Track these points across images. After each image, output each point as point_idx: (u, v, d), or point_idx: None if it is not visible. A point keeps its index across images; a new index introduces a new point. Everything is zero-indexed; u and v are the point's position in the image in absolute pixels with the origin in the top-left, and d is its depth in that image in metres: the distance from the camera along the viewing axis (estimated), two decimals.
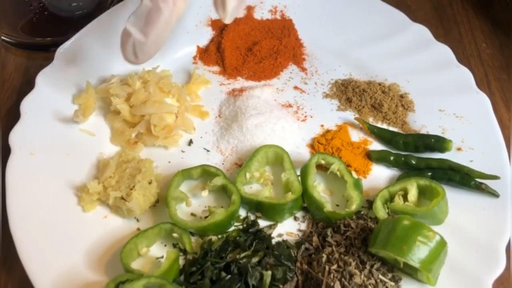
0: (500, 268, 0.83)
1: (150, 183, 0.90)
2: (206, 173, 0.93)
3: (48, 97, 0.97)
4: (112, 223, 0.89)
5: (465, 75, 1.04)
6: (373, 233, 0.82)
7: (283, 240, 0.87)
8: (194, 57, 1.11)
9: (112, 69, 1.04)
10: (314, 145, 0.99)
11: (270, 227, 0.90)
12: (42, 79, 0.99)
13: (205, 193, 0.91)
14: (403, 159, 0.96)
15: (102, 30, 1.05)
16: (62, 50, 1.02)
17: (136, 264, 0.84)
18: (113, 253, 0.85)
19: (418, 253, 0.77)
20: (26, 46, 1.12)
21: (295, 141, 1.00)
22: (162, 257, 0.85)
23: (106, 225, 0.88)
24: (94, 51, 1.04)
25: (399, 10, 1.14)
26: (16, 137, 0.92)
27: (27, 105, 0.95)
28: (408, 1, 1.26)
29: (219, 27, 1.14)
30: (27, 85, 1.02)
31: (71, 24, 1.09)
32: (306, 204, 0.91)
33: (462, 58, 1.14)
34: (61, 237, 0.85)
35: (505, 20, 1.22)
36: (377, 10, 1.14)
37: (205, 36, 1.14)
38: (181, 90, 1.01)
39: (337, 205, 0.92)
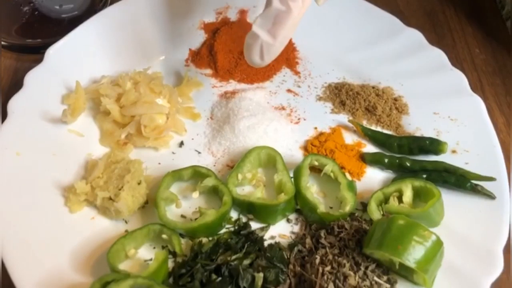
0: (497, 270, 0.81)
1: (139, 183, 0.87)
2: (197, 174, 0.91)
3: (36, 97, 0.95)
4: (99, 224, 0.86)
5: (459, 78, 1.03)
6: (367, 234, 0.81)
7: (276, 242, 0.85)
8: (186, 60, 1.10)
9: (103, 71, 1.02)
10: (307, 147, 0.98)
11: (262, 229, 0.87)
12: (31, 79, 0.96)
13: (195, 195, 0.89)
14: (397, 161, 0.94)
15: (93, 31, 1.04)
16: (51, 51, 1.00)
17: (123, 266, 0.81)
18: (100, 255, 0.82)
19: (414, 253, 0.75)
20: (15, 48, 1.10)
21: (288, 143, 0.98)
22: (150, 259, 0.83)
23: (94, 226, 0.86)
24: (85, 52, 1.02)
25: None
26: (2, 136, 0.89)
27: (14, 104, 0.93)
28: (401, 7, 1.25)
29: (212, 30, 1.12)
30: (16, 87, 0.99)
31: (61, 26, 1.08)
32: (299, 206, 0.89)
33: (456, 63, 1.12)
34: (46, 238, 0.82)
35: (497, 27, 1.22)
36: (370, 14, 1.13)
37: (198, 39, 1.12)
38: (172, 91, 1.00)
39: (331, 207, 0.90)
